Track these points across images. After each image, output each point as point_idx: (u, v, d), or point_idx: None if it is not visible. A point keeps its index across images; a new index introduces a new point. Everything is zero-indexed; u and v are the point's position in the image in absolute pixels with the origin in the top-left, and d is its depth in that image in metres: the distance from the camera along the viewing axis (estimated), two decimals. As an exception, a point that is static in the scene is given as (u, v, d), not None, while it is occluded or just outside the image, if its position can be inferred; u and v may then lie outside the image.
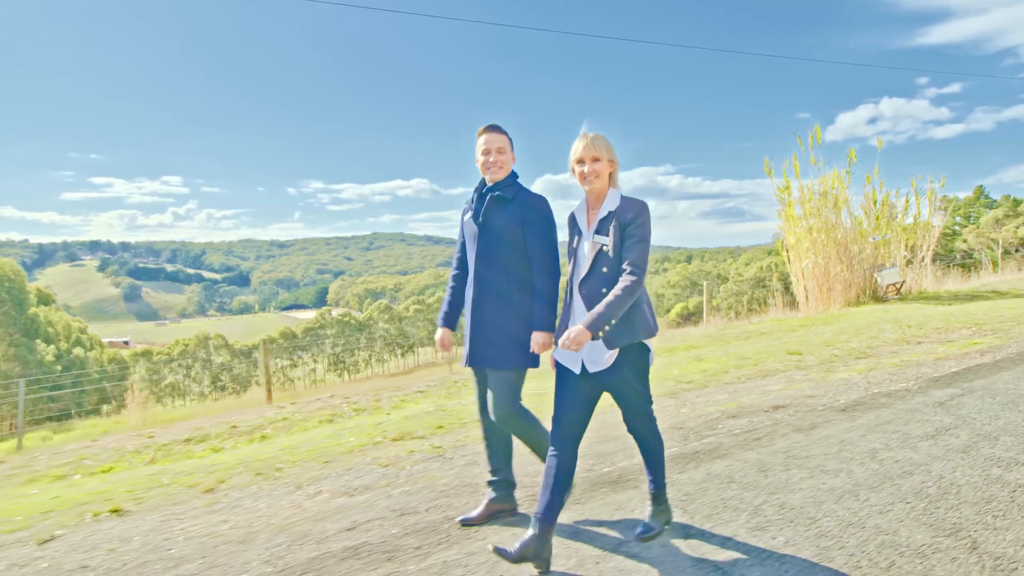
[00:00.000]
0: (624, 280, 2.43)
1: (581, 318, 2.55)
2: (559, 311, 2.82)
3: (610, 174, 2.60)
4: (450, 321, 3.14)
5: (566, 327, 2.65)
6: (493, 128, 2.91)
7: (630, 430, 2.75)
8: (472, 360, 2.93)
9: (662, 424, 4.58)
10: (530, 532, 2.55)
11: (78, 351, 35.84)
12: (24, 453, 6.51)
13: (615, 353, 2.51)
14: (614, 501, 3.27)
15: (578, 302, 2.58)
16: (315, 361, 79.51)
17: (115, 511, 3.71)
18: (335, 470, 4.21)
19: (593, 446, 4.20)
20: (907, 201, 14.13)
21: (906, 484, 3.26)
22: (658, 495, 2.85)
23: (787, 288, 15.16)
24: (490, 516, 3.06)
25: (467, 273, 3.02)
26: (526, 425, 2.93)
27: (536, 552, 2.52)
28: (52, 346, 30.27)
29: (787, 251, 13.89)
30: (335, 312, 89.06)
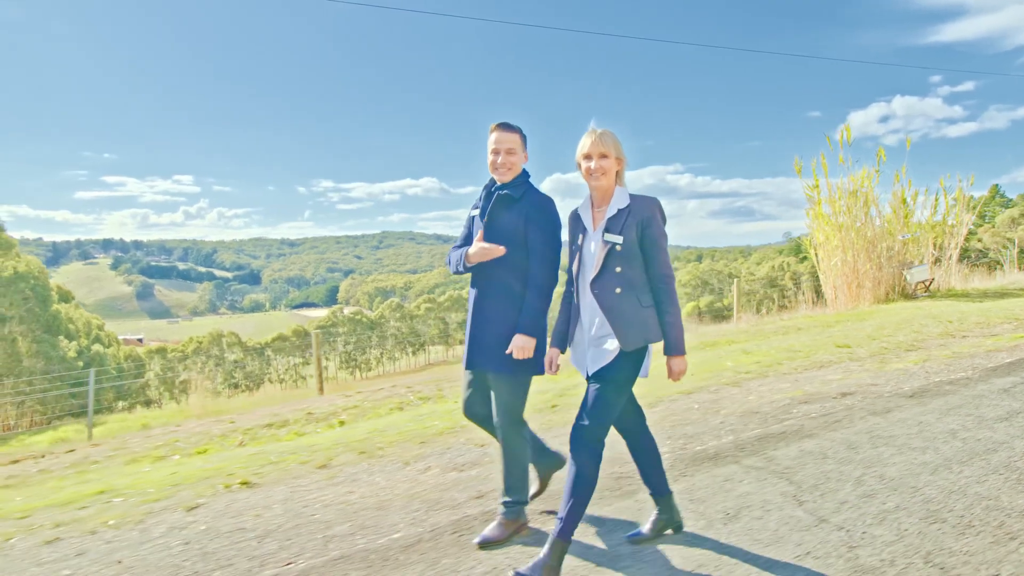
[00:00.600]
0: (667, 288, 2.48)
1: (592, 318, 2.52)
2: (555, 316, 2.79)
3: (617, 172, 2.55)
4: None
5: (565, 330, 2.67)
6: (505, 127, 2.81)
7: (575, 444, 2.49)
8: (472, 363, 2.82)
9: (733, 411, 4.84)
10: (545, 550, 2.47)
11: (97, 347, 36.34)
12: (113, 438, 6.83)
13: (616, 350, 2.45)
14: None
15: (589, 302, 2.53)
16: (327, 359, 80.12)
17: (244, 483, 4.00)
18: (434, 449, 4.48)
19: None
20: (936, 200, 14.29)
21: (994, 459, 3.51)
22: (660, 499, 2.79)
23: (805, 286, 15.32)
24: (508, 535, 2.88)
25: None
26: (520, 443, 2.82)
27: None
28: (74, 342, 30.77)
29: (815, 249, 14.07)
30: (347, 310, 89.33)
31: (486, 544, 2.82)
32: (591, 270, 2.51)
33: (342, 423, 6.22)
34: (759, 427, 4.39)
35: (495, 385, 2.79)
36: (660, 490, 2.78)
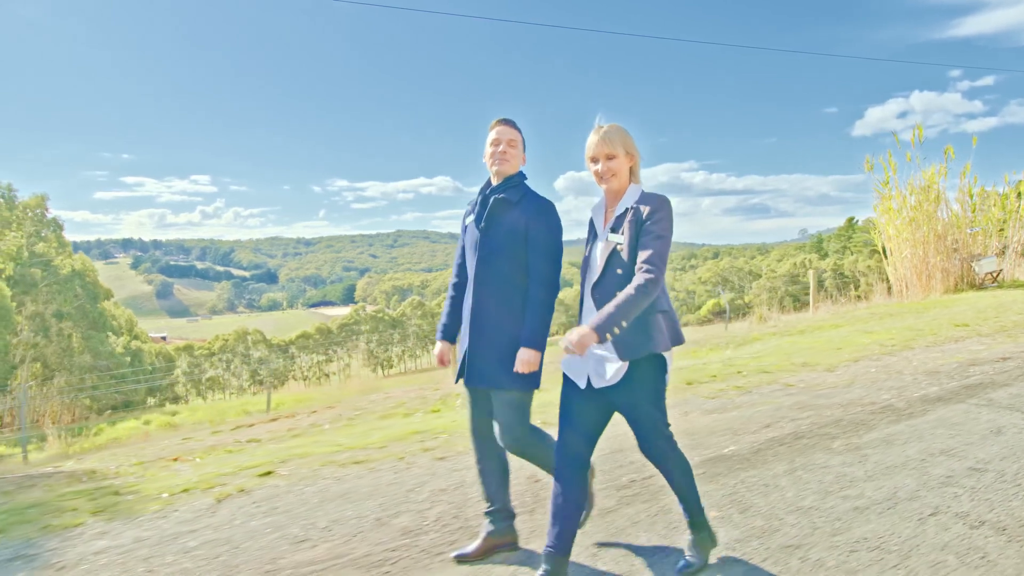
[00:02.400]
0: (638, 278, 2.16)
1: None
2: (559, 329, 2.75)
3: (631, 169, 2.38)
4: (449, 334, 2.87)
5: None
6: (505, 121, 2.73)
7: (646, 456, 2.42)
8: (470, 379, 2.65)
9: (913, 371, 5.25)
10: (541, 570, 2.32)
11: (135, 343, 37.14)
12: (301, 410, 7.38)
13: (623, 367, 2.25)
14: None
15: (589, 307, 2.35)
16: (349, 356, 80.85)
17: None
18: (679, 399, 5.20)
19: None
20: (1005, 195, 14.51)
21: None
22: (695, 522, 2.51)
23: (825, 282, 15.46)
24: (488, 551, 2.75)
25: (467, 281, 2.76)
26: (540, 450, 2.65)
27: None
28: (121, 338, 31.47)
29: (883, 242, 14.27)
30: (369, 309, 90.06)
31: (463, 559, 2.73)
32: (594, 275, 2.35)
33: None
34: (953, 381, 4.97)
35: (497, 403, 2.62)
36: (560, 548, 2.38)
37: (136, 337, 39.93)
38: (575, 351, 2.05)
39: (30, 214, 22.60)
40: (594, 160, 2.35)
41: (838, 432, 3.99)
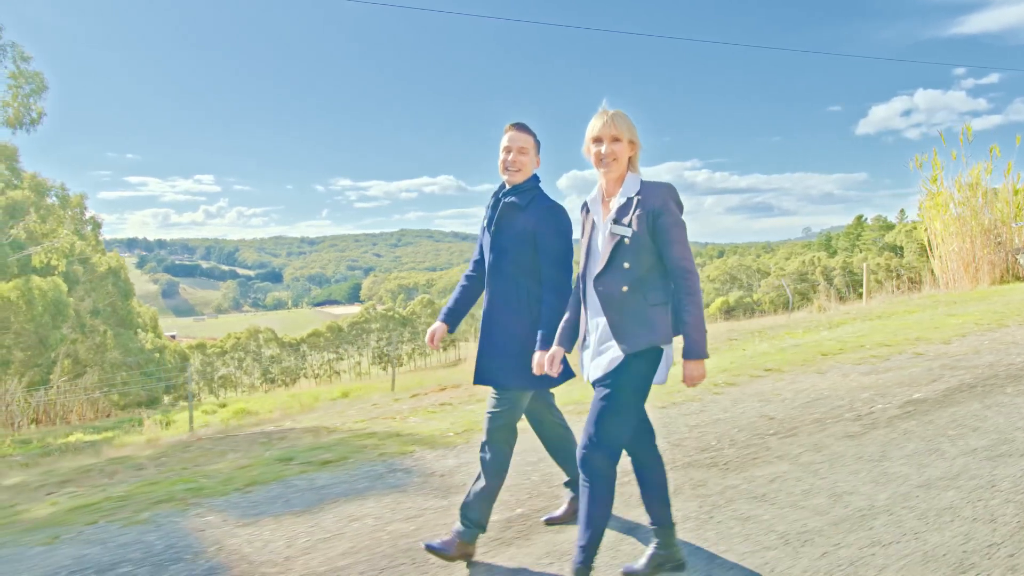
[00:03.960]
0: (684, 284, 2.19)
1: (596, 318, 2.31)
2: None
3: (630, 158, 2.29)
4: (451, 318, 2.89)
5: (573, 330, 2.44)
6: (518, 126, 2.71)
7: (584, 461, 2.26)
8: (477, 377, 2.72)
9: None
10: (653, 545, 2.41)
11: (159, 340, 37.65)
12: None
13: (619, 359, 2.21)
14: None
15: (593, 300, 2.31)
16: (360, 354, 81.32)
17: (768, 370, 5.70)
18: (827, 365, 5.79)
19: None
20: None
21: None
22: (660, 532, 2.42)
23: (828, 280, 15.86)
24: (574, 515, 2.90)
25: (481, 275, 2.85)
26: (498, 456, 2.64)
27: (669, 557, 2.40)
28: (150, 334, 31.87)
29: (928, 237, 14.74)
30: (380, 307, 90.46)
31: (552, 522, 2.93)
32: (597, 265, 2.28)
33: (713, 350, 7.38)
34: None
35: (500, 398, 2.67)
36: (662, 520, 2.41)
37: (157, 334, 40.41)
38: (697, 383, 2.20)
39: (69, 213, 23.01)
40: (597, 141, 2.26)
41: (1001, 384, 4.61)
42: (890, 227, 79.54)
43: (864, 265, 13.30)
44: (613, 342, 2.22)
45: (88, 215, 23.92)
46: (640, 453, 2.42)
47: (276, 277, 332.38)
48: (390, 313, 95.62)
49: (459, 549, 2.60)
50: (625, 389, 2.21)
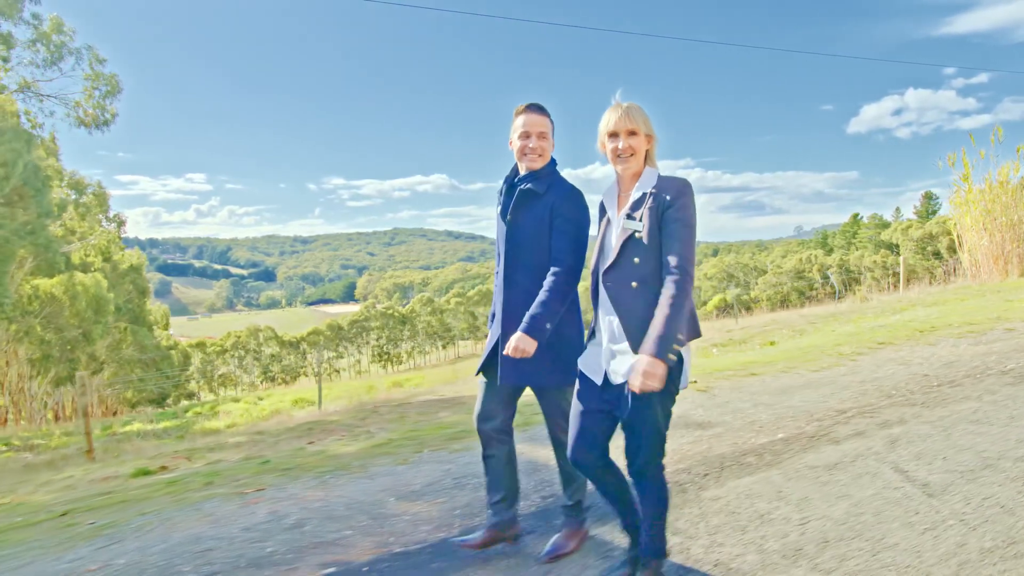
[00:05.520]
0: (672, 281, 2.01)
1: (608, 315, 2.21)
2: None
3: (647, 151, 2.20)
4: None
5: (592, 332, 2.33)
6: (535, 108, 2.52)
7: (632, 469, 2.21)
8: (504, 376, 2.51)
9: None
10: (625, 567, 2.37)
11: (171, 338, 37.85)
12: None
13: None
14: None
15: (604, 297, 2.21)
16: (360, 352, 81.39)
17: (880, 343, 6.37)
18: (932, 340, 6.35)
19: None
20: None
21: None
22: (646, 561, 2.29)
23: (826, 278, 16.43)
24: (490, 543, 2.66)
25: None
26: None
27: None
28: (165, 332, 32.05)
29: (957, 231, 15.30)
30: (379, 306, 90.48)
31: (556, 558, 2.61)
32: (607, 260, 2.20)
33: (772, 343, 7.95)
34: None
35: (543, 402, 2.58)
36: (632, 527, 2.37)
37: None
38: (655, 386, 1.92)
39: (102, 211, 23.18)
40: (613, 136, 2.16)
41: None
42: (886, 225, 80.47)
43: (902, 259, 13.78)
44: (626, 343, 2.13)
45: (112, 213, 24.09)
46: (645, 471, 2.23)
47: (269, 276, 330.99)
48: (390, 311, 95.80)
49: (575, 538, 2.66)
50: (653, 406, 2.10)
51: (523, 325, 2.35)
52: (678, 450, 3.71)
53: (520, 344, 2.32)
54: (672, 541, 2.60)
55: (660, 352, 1.92)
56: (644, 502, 2.23)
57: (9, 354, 18.21)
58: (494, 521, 2.65)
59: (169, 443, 5.88)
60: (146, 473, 4.06)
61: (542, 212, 2.47)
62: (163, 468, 4.08)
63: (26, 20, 12.09)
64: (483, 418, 2.63)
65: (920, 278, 16.32)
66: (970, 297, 10.04)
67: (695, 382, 5.32)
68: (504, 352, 2.38)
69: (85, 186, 19.90)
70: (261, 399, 16.31)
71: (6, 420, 19.91)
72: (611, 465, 2.29)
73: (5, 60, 12.17)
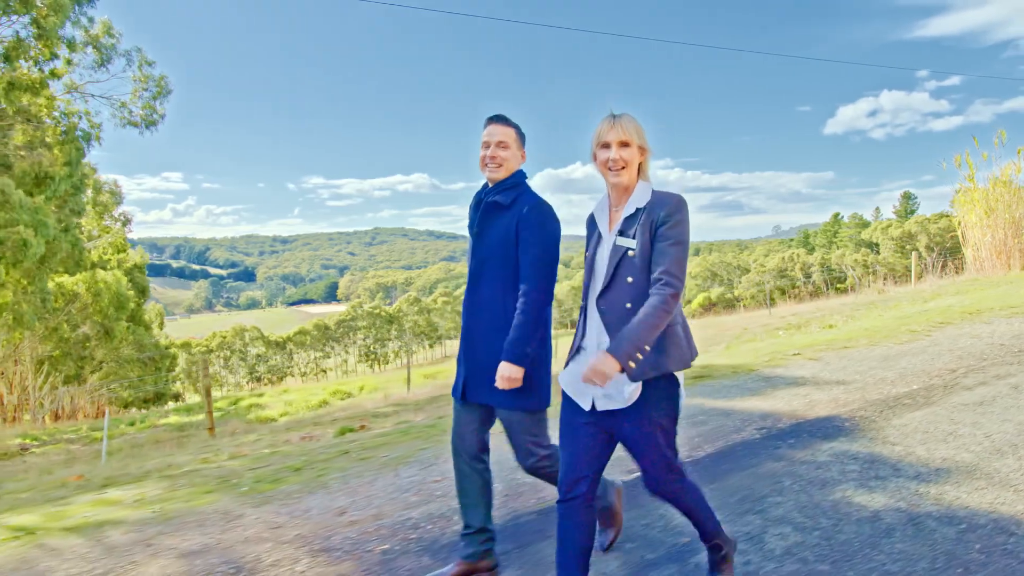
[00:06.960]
0: (657, 293, 1.94)
1: (597, 338, 2.10)
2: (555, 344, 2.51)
3: (640, 164, 2.11)
4: None
5: (578, 349, 2.19)
6: (497, 119, 2.49)
7: (653, 492, 2.19)
8: (470, 394, 2.48)
9: None
10: None
11: (167, 337, 37.63)
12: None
13: (638, 388, 2.01)
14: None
15: (595, 319, 2.11)
16: (347, 352, 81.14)
17: (940, 323, 6.87)
18: (985, 319, 6.93)
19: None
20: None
21: None
22: (713, 544, 2.31)
23: (808, 276, 17.25)
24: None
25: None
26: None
27: None
28: (164, 331, 31.87)
29: (962, 228, 15.95)
30: (366, 306, 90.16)
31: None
32: (599, 281, 2.10)
33: (830, 327, 8.39)
34: None
35: (506, 424, 2.48)
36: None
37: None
38: (598, 383, 1.87)
39: (114, 210, 23.09)
40: (605, 146, 2.07)
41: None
42: (866, 224, 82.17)
43: (914, 253, 14.33)
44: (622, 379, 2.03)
45: (119, 212, 24.00)
46: (667, 493, 2.22)
47: (249, 276, 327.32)
48: (377, 311, 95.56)
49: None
50: (657, 441, 2.06)
51: (504, 353, 2.33)
52: (839, 398, 4.42)
53: (507, 373, 2.30)
54: (892, 449, 3.47)
55: (621, 352, 1.87)
56: (684, 510, 2.24)
57: (19, 352, 18.14)
58: (466, 553, 2.56)
59: (274, 422, 6.11)
60: (350, 430, 4.37)
61: (508, 224, 2.42)
62: (363, 427, 4.36)
63: (83, 25, 12.31)
64: (456, 447, 2.60)
65: (929, 272, 16.98)
66: (986, 287, 10.61)
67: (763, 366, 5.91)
68: (496, 385, 2.34)
69: (101, 184, 19.81)
70: (287, 391, 16.43)
71: (14, 418, 19.78)
72: (594, 496, 2.15)
73: (69, 63, 12.35)
